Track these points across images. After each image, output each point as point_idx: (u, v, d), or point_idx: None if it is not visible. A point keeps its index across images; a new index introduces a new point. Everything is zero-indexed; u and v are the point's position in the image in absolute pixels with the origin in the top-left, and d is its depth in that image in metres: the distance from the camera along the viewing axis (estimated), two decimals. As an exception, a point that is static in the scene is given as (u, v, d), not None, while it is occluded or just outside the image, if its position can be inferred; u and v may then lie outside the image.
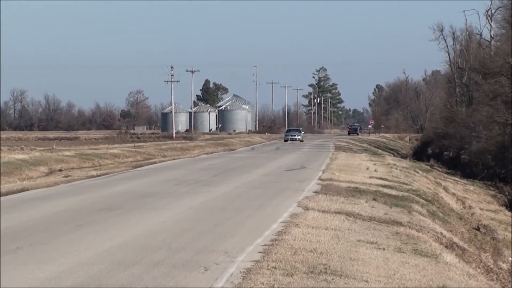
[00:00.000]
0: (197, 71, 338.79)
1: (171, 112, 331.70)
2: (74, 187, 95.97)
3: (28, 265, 37.37)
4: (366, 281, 37.67)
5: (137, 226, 53.52)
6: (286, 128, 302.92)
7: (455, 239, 60.18)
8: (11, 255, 40.73)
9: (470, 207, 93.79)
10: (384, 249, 48.25)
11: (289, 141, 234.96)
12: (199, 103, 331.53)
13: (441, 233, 59.86)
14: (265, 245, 43.44)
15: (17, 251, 42.20)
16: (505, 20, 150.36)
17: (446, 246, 53.82)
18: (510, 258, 60.89)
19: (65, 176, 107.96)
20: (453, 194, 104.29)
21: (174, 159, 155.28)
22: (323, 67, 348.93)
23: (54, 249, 42.05)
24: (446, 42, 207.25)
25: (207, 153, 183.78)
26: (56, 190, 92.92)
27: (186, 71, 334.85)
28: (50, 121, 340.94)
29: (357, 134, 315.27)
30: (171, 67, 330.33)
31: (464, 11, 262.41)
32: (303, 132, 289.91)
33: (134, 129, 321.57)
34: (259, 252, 41.35)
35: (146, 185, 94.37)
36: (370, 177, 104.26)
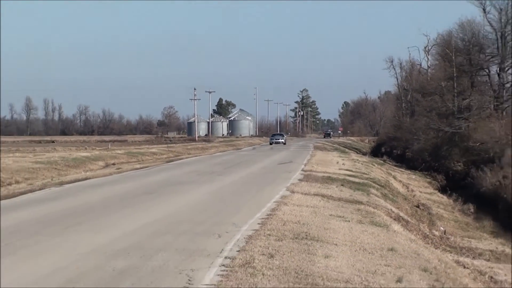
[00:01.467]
0: (213, 91, 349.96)
1: (194, 121, 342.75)
2: (123, 177, 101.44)
3: (88, 233, 41.16)
4: (336, 244, 41.08)
5: (168, 205, 57.02)
6: (272, 135, 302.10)
7: (401, 214, 64.00)
8: (75, 226, 43.94)
9: (412, 190, 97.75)
10: (349, 221, 52.23)
11: (272, 142, 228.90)
12: (215, 115, 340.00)
13: (391, 210, 64.18)
14: (262, 218, 47.40)
15: (80, 223, 45.91)
16: (438, 54, 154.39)
17: (394, 219, 58.15)
18: (441, 228, 62.71)
19: (117, 169, 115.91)
20: (400, 181, 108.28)
21: (196, 156, 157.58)
22: (305, 88, 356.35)
23: (107, 222, 46.02)
24: (395, 70, 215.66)
25: (220, 152, 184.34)
26: (110, 179, 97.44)
27: (205, 91, 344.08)
28: (106, 128, 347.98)
29: (330, 137, 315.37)
30: (194, 89, 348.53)
31: (408, 48, 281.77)
32: (285, 136, 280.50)
33: (167, 134, 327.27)
34: (258, 224, 45.76)
35: (176, 175, 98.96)
36: (339, 169, 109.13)
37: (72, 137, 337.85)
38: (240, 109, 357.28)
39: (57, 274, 30.61)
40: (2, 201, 66.44)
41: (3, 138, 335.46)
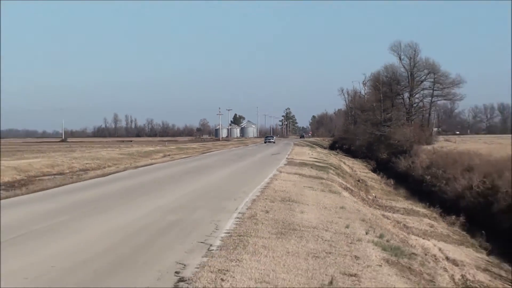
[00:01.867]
0: (231, 109, 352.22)
1: (219, 128, 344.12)
2: (175, 163, 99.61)
3: (152, 198, 42.08)
4: (307, 205, 41.61)
5: (201, 181, 57.01)
6: (265, 136, 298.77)
7: (348, 185, 63.86)
8: (144, 194, 44.35)
9: (355, 170, 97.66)
10: (315, 190, 52.38)
11: (267, 142, 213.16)
12: (232, 124, 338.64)
13: (342, 183, 64.48)
14: (261, 189, 48.09)
15: (148, 193, 46.37)
16: (371, 85, 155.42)
17: (344, 189, 58.42)
18: (373, 194, 62.95)
19: (171, 158, 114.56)
20: (347, 165, 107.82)
21: (220, 150, 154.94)
22: (288, 107, 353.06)
23: (163, 192, 46.14)
24: (344, 96, 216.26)
25: (235, 147, 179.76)
26: (166, 164, 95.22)
27: (226, 109, 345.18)
28: (164, 132, 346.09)
29: (304, 138, 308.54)
30: (219, 108, 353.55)
31: (352, 81, 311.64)
32: (275, 137, 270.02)
33: (202, 136, 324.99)
34: (259, 192, 46.26)
35: (207, 162, 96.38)
36: (310, 157, 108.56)
37: (143, 138, 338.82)
38: (247, 120, 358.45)
39: (135, 222, 31.87)
40: (101, 178, 67.34)
41: (100, 139, 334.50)
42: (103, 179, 63.60)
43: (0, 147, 62.51)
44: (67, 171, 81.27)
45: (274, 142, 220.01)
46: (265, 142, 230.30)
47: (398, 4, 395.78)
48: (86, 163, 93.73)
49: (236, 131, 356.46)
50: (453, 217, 50.80)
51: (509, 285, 31.76)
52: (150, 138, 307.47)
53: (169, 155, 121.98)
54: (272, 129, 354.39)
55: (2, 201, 45.47)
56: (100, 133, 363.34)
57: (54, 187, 55.84)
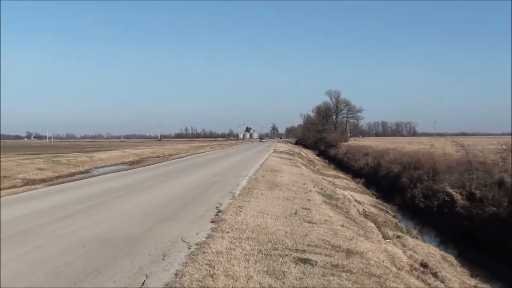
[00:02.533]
0: (244, 124, 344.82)
1: (238, 134, 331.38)
2: (215, 151, 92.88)
3: (199, 171, 40.42)
4: (283, 172, 39.87)
5: (229, 161, 55.70)
6: (260, 137, 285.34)
7: (304, 163, 62.24)
8: (195, 169, 43.53)
9: (307, 155, 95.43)
10: (287, 165, 49.22)
11: (261, 141, 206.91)
12: (245, 131, 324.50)
13: (302, 161, 63.00)
14: (259, 166, 46.15)
15: (197, 168, 45.24)
16: (316, 112, 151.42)
17: (302, 164, 56.77)
18: (317, 167, 61.65)
19: (213, 149, 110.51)
20: (304, 152, 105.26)
21: (239, 145, 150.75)
22: (274, 123, 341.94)
23: (207, 168, 44.93)
24: (303, 116, 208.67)
25: (246, 144, 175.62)
26: (211, 151, 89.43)
27: (242, 124, 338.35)
28: (211, 136, 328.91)
29: (281, 138, 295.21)
30: (239, 123, 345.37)
31: (302, 112, 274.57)
32: (266, 138, 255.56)
33: (230, 138, 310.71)
34: (258, 167, 44.25)
35: (229, 152, 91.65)
36: (285, 148, 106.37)
37: (199, 139, 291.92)
38: (253, 129, 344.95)
39: (195, 182, 30.39)
40: (178, 159, 63.95)
41: (179, 139, 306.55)
42: (179, 159, 62.16)
43: (0, 147, 51.07)
44: (161, 155, 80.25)
45: (265, 141, 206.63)
46: (260, 141, 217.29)
47: (328, 65, 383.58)
48: (171, 151, 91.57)
49: (247, 135, 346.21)
50: (358, 179, 50.84)
51: (388, 214, 31.36)
52: (203, 139, 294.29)
53: (212, 147, 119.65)
54: (266, 134, 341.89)
55: (133, 169, 44.44)
56: (178, 136, 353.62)
57: (155, 163, 54.38)
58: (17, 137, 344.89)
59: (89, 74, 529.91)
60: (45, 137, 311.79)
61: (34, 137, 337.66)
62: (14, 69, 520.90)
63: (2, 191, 28.48)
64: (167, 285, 9.39)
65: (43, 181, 37.77)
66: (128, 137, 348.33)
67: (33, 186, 31.31)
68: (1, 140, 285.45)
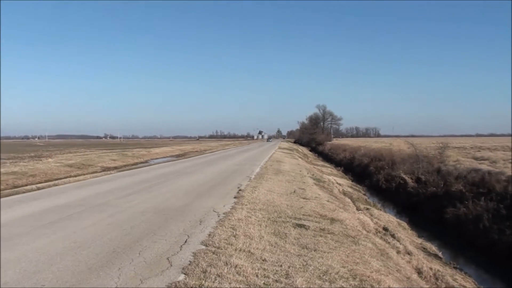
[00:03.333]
0: (257, 128, 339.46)
1: (253, 136, 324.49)
2: (237, 147, 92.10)
3: (219, 164, 40.13)
4: (285, 163, 39.11)
5: (246, 154, 55.25)
6: (268, 137, 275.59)
7: (301, 156, 61.14)
8: (215, 163, 43.17)
9: (302, 151, 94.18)
10: (288, 157, 48.48)
11: (268, 141, 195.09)
12: (259, 134, 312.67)
13: (299, 155, 62.15)
14: (268, 158, 45.32)
15: (226, 159, 44.92)
16: (309, 120, 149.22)
17: (299, 157, 56.00)
18: (309, 159, 61.76)
19: (236, 146, 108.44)
20: (300, 149, 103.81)
21: (254, 144, 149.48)
22: (279, 128, 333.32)
23: (232, 159, 44.96)
24: (299, 123, 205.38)
25: (259, 142, 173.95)
26: (234, 147, 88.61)
27: (256, 128, 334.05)
28: (233, 137, 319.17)
29: (284, 139, 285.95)
30: (257, 129, 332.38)
31: (303, 118, 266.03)
32: (272, 139, 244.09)
33: (248, 139, 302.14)
34: (268, 158, 44.13)
35: (244, 148, 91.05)
36: (287, 146, 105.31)
37: (226, 139, 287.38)
38: (264, 132, 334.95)
39: (222, 169, 30.42)
40: (210, 153, 63.55)
41: (212, 140, 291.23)
42: (211, 153, 61.62)
43: (0, 147, 49.75)
44: (198, 150, 79.73)
45: (271, 141, 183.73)
46: (267, 141, 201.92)
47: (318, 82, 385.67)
48: (205, 148, 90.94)
49: (260, 136, 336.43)
50: (339, 168, 50.60)
51: (360, 193, 31.43)
52: (228, 139, 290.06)
53: (234, 145, 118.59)
54: (273, 136, 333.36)
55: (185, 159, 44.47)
56: (211, 136, 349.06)
57: (194, 156, 54.19)
58: (98, 137, 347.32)
59: (147, 89, 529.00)
60: (116, 137, 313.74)
61: (109, 137, 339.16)
62: (97, 83, 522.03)
63: (88, 175, 28.93)
64: (203, 242, 9.44)
65: (115, 168, 38.06)
66: (175, 137, 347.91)
67: (108, 172, 31.73)
68: (86, 140, 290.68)
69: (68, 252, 8.76)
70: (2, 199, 17.57)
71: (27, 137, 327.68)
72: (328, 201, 18.09)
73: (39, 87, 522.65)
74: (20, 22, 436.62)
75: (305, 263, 8.25)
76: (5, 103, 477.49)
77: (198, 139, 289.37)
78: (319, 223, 12.46)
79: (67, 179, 25.97)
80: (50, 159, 41.17)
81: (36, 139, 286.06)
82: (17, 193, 19.49)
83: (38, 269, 7.65)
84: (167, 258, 8.24)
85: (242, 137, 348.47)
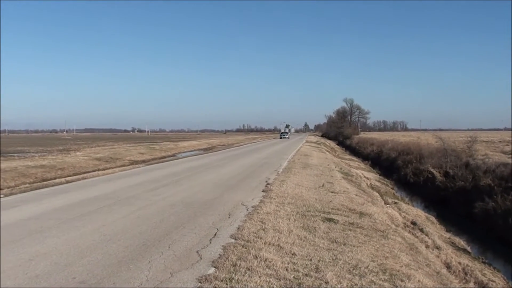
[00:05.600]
0: (284, 122, 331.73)
1: (281, 129, 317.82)
2: (264, 141, 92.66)
3: (240, 160, 40.19)
4: (313, 156, 39.01)
5: (273, 148, 54.99)
6: (282, 131, 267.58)
7: (328, 149, 60.98)
8: (254, 154, 42.96)
9: (330, 144, 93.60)
10: (316, 151, 48.10)
11: (283, 137, 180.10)
12: (285, 128, 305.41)
13: (326, 149, 61.68)
14: (296, 152, 44.95)
15: (254, 152, 44.74)
16: (336, 113, 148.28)
17: (326, 151, 55.64)
18: (337, 153, 63.09)
19: (263, 140, 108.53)
20: (327, 142, 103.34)
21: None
22: (306, 121, 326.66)
23: (259, 153, 44.64)
24: (326, 116, 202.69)
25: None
26: (262, 141, 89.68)
27: (283, 122, 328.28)
28: (260, 131, 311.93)
29: (311, 133, 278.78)
30: (284, 123, 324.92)
31: (330, 112, 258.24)
32: (288, 134, 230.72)
33: (275, 132, 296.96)
34: (295, 152, 43.98)
35: (276, 141, 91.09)
36: (314, 140, 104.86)
37: (253, 133, 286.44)
38: (291, 126, 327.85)
39: (250, 163, 30.50)
40: (237, 147, 63.90)
41: (239, 133, 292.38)
42: (238, 147, 61.65)
43: (0, 144, 48.37)
44: (226, 144, 79.46)
45: (287, 136, 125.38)
46: (280, 137, 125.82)
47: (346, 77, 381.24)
48: (233, 142, 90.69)
49: (287, 130, 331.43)
50: (366, 162, 50.26)
51: (387, 187, 31.28)
52: (255, 133, 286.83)
53: (261, 139, 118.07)
54: (300, 129, 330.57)
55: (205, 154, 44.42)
56: (238, 130, 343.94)
57: (221, 150, 54.21)
58: (125, 131, 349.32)
59: (174, 82, 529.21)
60: (144, 131, 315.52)
61: (137, 131, 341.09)
62: (120, 80, 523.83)
63: (116, 168, 29.15)
64: (232, 235, 9.43)
65: (143, 161, 38.20)
66: (202, 131, 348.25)
67: (136, 165, 31.95)
68: (114, 133, 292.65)
69: (98, 245, 8.83)
70: (32, 192, 17.89)
71: (55, 131, 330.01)
72: (356, 195, 17.99)
73: (67, 80, 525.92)
74: (48, 17, 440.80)
75: (334, 257, 8.20)
76: (33, 97, 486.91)
77: (225, 133, 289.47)
78: (348, 217, 12.37)
79: (96, 172, 26.29)
80: (78, 153, 41.57)
81: (64, 132, 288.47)
82: (46, 186, 19.75)
83: (69, 261, 7.71)
84: (197, 252, 8.26)
85: (269, 131, 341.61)
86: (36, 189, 18.75)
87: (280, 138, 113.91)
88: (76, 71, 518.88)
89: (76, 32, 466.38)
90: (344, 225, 11.30)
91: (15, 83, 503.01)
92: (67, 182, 21.36)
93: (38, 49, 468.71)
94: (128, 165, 33.02)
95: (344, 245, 9.25)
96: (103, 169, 28.06)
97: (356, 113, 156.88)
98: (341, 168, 31.80)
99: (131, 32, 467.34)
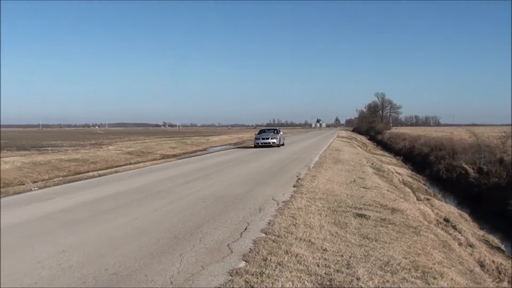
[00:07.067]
0: (315, 116, 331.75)
1: (311, 123, 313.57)
2: (297, 135, 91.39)
3: (287, 148, 39.32)
4: (344, 151, 38.98)
5: (304, 143, 54.36)
6: (320, 124, 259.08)
7: (359, 145, 60.14)
8: (285, 149, 42.41)
9: (361, 139, 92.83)
10: (347, 146, 47.52)
11: (322, 126, 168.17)
12: (316, 122, 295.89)
13: (357, 144, 61.02)
14: (327, 146, 44.63)
15: (264, 154, 43.90)
16: (368, 108, 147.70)
17: (358, 146, 55.05)
18: (368, 147, 61.99)
19: (293, 134, 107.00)
20: (359, 137, 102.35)
21: (312, 132, 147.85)
22: (337, 116, 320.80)
23: (291, 147, 43.96)
24: (358, 111, 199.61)
25: (317, 131, 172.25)
26: (293, 136, 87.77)
27: (314, 116, 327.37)
28: (291, 126, 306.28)
29: (342, 127, 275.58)
30: (315, 118, 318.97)
31: (361, 107, 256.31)
32: (321, 125, 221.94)
33: (306, 127, 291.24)
34: (327, 146, 43.84)
35: (307, 135, 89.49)
36: (346, 135, 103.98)
37: (280, 127, 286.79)
38: (322, 120, 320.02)
39: (281, 157, 30.34)
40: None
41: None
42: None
43: (0, 141, 47.30)
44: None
45: (275, 143, 47.18)
46: (257, 145, 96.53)
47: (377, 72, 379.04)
48: None
49: (318, 125, 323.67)
50: (398, 157, 49.76)
51: (420, 183, 31.00)
52: (286, 127, 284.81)
53: (292, 133, 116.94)
54: (331, 124, 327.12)
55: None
56: (268, 125, 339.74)
57: (249, 147, 54.63)
58: (156, 125, 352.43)
59: (205, 77, 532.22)
60: (175, 125, 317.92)
61: (168, 125, 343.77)
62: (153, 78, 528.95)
63: (147, 162, 29.48)
64: (262, 230, 9.42)
65: (174, 156, 38.61)
66: (233, 125, 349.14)
67: (168, 159, 32.33)
68: (145, 128, 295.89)
69: (130, 237, 8.93)
70: (65, 184, 18.36)
71: (87, 125, 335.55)
72: (388, 190, 17.83)
73: (100, 76, 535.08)
74: (83, 17, 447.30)
75: (366, 254, 8.12)
76: (67, 93, 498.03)
77: (255, 128, 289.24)
78: (379, 213, 12.26)
79: (127, 166, 26.76)
80: (110, 147, 42.08)
81: (96, 127, 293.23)
82: (79, 179, 20.18)
83: (101, 253, 7.81)
84: (228, 245, 8.28)
85: (300, 125, 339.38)
86: (69, 182, 19.13)
87: (257, 145, 44.36)
88: (110, 67, 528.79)
89: (110, 30, 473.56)
90: (375, 221, 11.19)
91: (50, 80, 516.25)
92: (100, 175, 21.74)
93: (73, 47, 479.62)
94: (159, 159, 33.44)
95: (375, 241, 9.16)
96: (135, 163, 28.44)
97: (388, 107, 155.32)
98: (372, 164, 31.59)
99: (165, 29, 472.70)
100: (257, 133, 46.95)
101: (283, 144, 45.50)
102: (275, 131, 45.72)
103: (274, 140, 42.80)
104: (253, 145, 44.86)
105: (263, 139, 43.18)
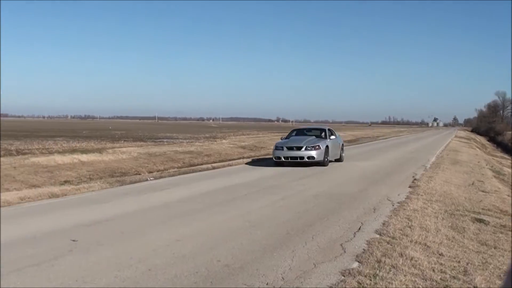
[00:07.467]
0: (432, 115, 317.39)
1: (428, 122, 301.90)
2: (412, 135, 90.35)
3: (403, 147, 38.84)
4: (462, 152, 37.83)
5: (419, 143, 53.22)
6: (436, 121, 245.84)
7: (478, 146, 58.85)
8: (401, 147, 41.71)
9: (480, 141, 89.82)
10: (465, 147, 46.22)
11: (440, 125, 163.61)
12: (433, 121, 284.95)
13: (476, 145, 59.31)
14: (444, 147, 43.28)
15: (401, 146, 43.48)
16: (486, 107, 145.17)
17: (477, 147, 53.13)
18: (488, 150, 59.03)
19: (408, 132, 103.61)
20: (478, 138, 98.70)
21: (428, 132, 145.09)
22: (455, 115, 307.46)
23: (407, 146, 43.12)
24: (477, 110, 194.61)
25: (433, 130, 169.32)
26: (408, 135, 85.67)
27: (431, 115, 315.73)
28: (407, 124, 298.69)
29: (461, 127, 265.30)
30: (432, 116, 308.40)
31: (481, 107, 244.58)
32: (438, 125, 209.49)
33: (422, 126, 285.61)
34: (444, 147, 42.51)
35: (423, 135, 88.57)
36: (464, 135, 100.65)
37: (396, 125, 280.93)
38: (439, 119, 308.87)
39: (395, 157, 29.97)
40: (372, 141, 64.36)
41: (352, 125, 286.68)
42: (384, 140, 60.65)
43: (0, 138, 45.83)
44: (371, 136, 76.83)
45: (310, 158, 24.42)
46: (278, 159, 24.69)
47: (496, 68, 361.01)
48: (378, 134, 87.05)
49: (435, 124, 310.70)
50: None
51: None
52: (401, 125, 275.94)
53: (408, 132, 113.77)
54: (449, 124, 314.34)
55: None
56: (383, 122, 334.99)
57: (366, 142, 53.17)
58: (269, 120, 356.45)
59: (318, 73, 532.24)
60: (288, 121, 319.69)
61: (281, 121, 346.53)
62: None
63: (260, 156, 29.75)
64: (377, 231, 9.28)
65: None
66: (347, 122, 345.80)
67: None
68: (258, 122, 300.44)
69: (243, 230, 9.07)
70: (180, 176, 19.04)
71: (202, 119, 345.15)
72: (509, 196, 17.07)
73: (215, 72, 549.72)
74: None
75: (484, 261, 7.83)
76: (182, 87, 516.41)
77: (370, 125, 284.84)
78: (499, 219, 11.73)
79: (240, 160, 27.02)
80: (224, 140, 42.75)
81: (210, 121, 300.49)
82: (193, 171, 20.73)
83: (214, 244, 7.95)
84: (341, 244, 8.21)
85: (416, 124, 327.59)
86: (184, 173, 19.70)
87: (278, 162, 22.56)
88: (225, 64, 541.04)
89: (231, 28, 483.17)
90: (495, 227, 10.72)
91: (162, 75, 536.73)
92: (213, 168, 22.24)
93: (186, 45, 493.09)
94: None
95: (494, 248, 8.78)
96: (248, 157, 28.64)
97: (509, 107, 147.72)
98: (492, 166, 30.33)
99: (277, 27, 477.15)
100: (284, 137, 25.70)
101: (340, 160, 25.39)
102: (322, 132, 24.78)
103: (313, 154, 21.90)
104: (367, 142, 44.08)
105: (289, 149, 22.41)
